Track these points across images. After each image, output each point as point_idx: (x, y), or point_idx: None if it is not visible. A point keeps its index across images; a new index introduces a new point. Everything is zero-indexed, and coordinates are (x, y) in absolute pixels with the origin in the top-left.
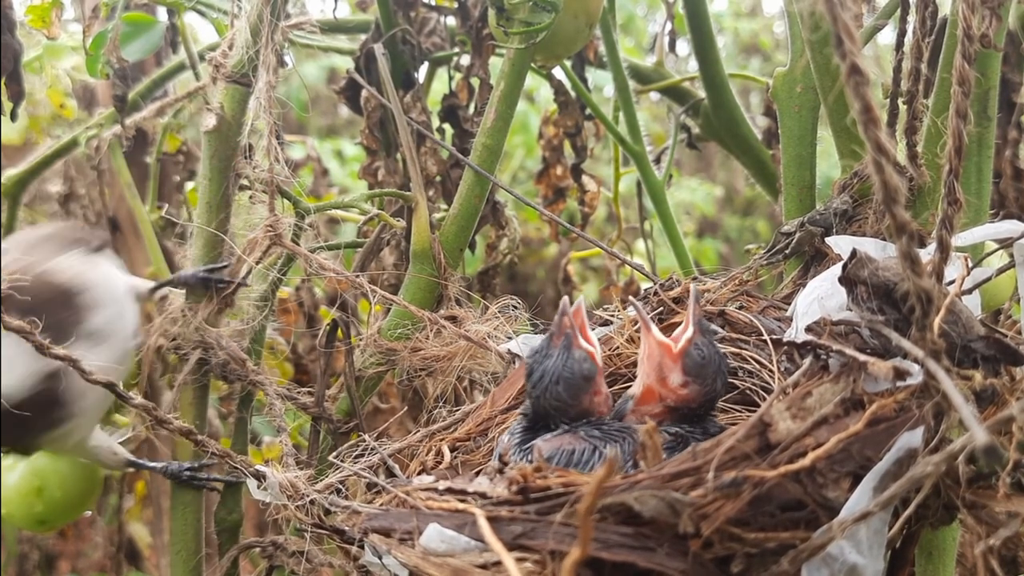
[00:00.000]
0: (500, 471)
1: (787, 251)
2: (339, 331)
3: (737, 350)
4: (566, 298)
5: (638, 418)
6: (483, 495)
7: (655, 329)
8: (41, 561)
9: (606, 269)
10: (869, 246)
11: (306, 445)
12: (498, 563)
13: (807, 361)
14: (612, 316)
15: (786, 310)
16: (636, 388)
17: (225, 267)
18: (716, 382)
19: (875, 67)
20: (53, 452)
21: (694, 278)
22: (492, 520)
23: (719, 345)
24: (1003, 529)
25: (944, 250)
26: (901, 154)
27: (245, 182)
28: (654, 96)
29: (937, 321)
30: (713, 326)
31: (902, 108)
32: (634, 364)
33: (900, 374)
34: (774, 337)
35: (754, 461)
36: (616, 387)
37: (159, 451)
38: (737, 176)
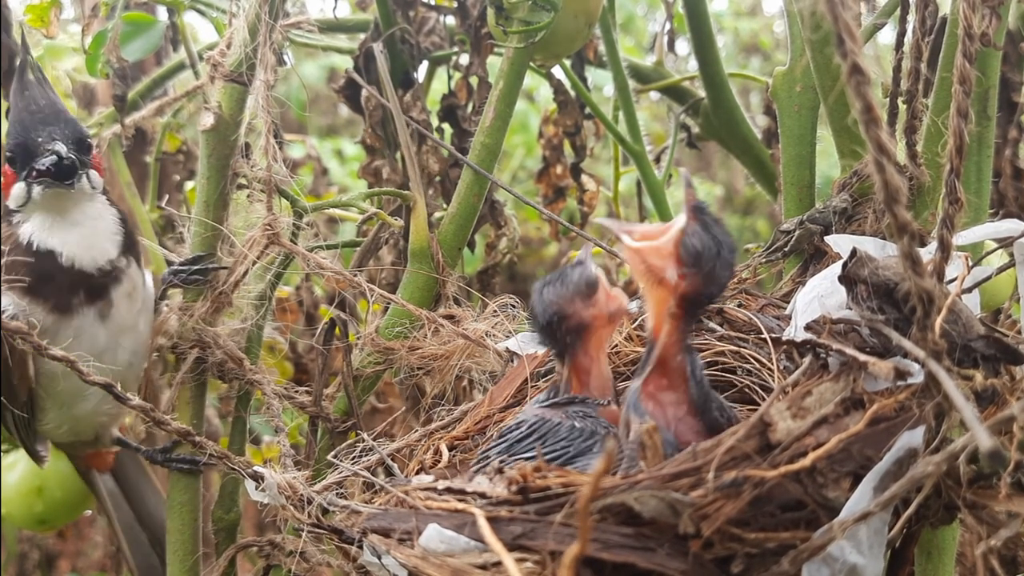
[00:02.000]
0: (499, 471)
1: (786, 249)
2: (337, 330)
3: (736, 348)
4: (585, 248)
5: (661, 349)
6: (482, 495)
7: (626, 238)
8: (41, 560)
9: (606, 269)
10: (869, 245)
11: (304, 444)
12: (498, 563)
13: (807, 360)
14: None
15: (785, 308)
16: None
17: (197, 262)
18: (718, 271)
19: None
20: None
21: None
22: (492, 520)
23: (722, 228)
24: (1003, 529)
25: (945, 249)
26: (901, 153)
27: (243, 181)
28: (654, 96)
29: (938, 321)
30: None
31: (902, 107)
32: (634, 363)
33: (900, 374)
34: (773, 335)
35: (754, 461)
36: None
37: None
38: (737, 175)
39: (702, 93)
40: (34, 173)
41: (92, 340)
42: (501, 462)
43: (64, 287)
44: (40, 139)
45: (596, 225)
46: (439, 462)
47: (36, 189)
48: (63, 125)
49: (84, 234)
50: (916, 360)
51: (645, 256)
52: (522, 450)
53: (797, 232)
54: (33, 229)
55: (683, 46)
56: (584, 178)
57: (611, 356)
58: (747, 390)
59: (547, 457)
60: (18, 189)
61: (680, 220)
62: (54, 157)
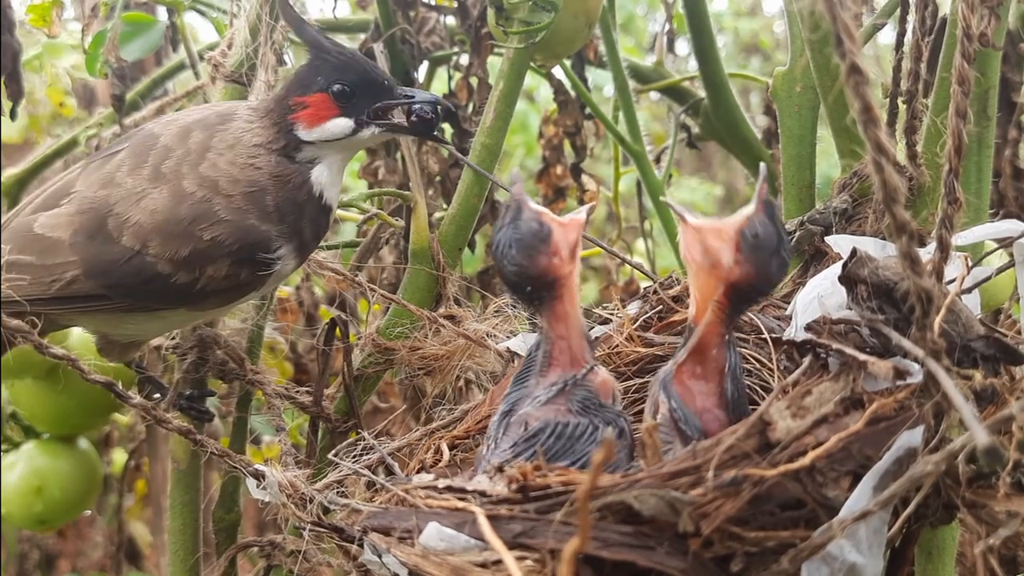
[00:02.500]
0: (499, 469)
1: None
2: (337, 330)
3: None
4: (516, 169)
5: (700, 337)
6: (483, 493)
7: (689, 216)
8: (41, 560)
9: (606, 268)
10: (869, 245)
11: (305, 444)
12: (498, 561)
13: (807, 360)
14: (612, 315)
15: (785, 308)
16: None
17: None
18: (772, 263)
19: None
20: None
21: None
22: (492, 518)
23: (785, 231)
24: (1003, 529)
25: (944, 249)
26: (901, 153)
27: None
28: (654, 96)
29: (937, 320)
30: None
31: (902, 107)
32: (634, 363)
33: (900, 373)
34: (773, 336)
35: (754, 460)
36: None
37: (158, 449)
38: (737, 176)
39: (702, 93)
40: (398, 116)
41: None
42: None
43: (318, 240)
44: (386, 81)
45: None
46: (440, 461)
47: (370, 130)
48: (382, 67)
49: (337, 189)
50: (915, 360)
51: (705, 235)
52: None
53: (797, 233)
54: (321, 180)
55: (683, 46)
56: (584, 178)
57: (611, 356)
58: (747, 390)
59: (581, 462)
60: (342, 124)
61: (748, 208)
62: (432, 106)
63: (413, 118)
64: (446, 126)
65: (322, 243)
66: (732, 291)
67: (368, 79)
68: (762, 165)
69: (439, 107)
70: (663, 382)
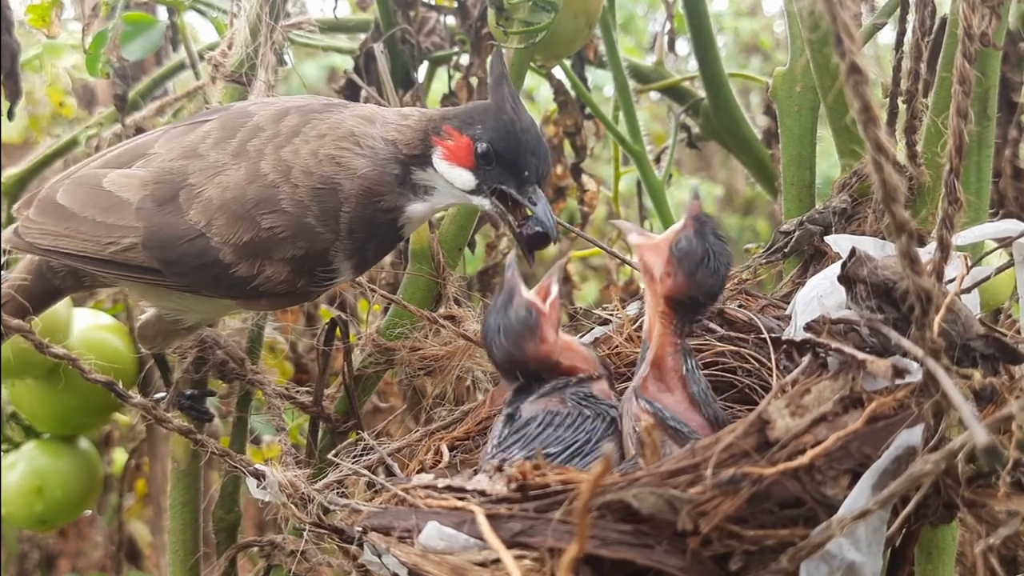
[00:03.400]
0: (499, 468)
1: (786, 250)
2: (338, 330)
3: (736, 348)
4: (511, 255)
5: (655, 350)
6: (482, 493)
7: (632, 236)
8: (41, 560)
9: (606, 268)
10: (868, 245)
11: (305, 444)
12: (497, 561)
13: (806, 359)
14: (612, 315)
15: (785, 309)
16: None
17: None
18: (700, 275)
19: (875, 66)
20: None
21: None
22: (491, 518)
23: (719, 241)
24: (1003, 528)
25: (944, 249)
26: (901, 153)
27: None
28: (654, 96)
29: (937, 320)
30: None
31: (902, 107)
32: (634, 363)
33: (899, 372)
34: (773, 335)
35: (753, 458)
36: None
37: (158, 449)
38: (737, 176)
39: (702, 93)
40: (520, 227)
41: None
42: (527, 459)
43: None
44: (527, 170)
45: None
46: (439, 462)
47: (483, 200)
48: (543, 159)
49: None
50: (915, 359)
51: (642, 252)
52: (543, 444)
53: (797, 233)
54: (414, 215)
55: (683, 46)
56: (584, 178)
57: (611, 356)
58: (747, 390)
59: (571, 448)
60: (465, 177)
61: (679, 224)
62: (542, 231)
63: (522, 228)
64: None
65: None
66: (671, 303)
67: (515, 162)
68: (694, 183)
69: (548, 234)
70: (635, 393)
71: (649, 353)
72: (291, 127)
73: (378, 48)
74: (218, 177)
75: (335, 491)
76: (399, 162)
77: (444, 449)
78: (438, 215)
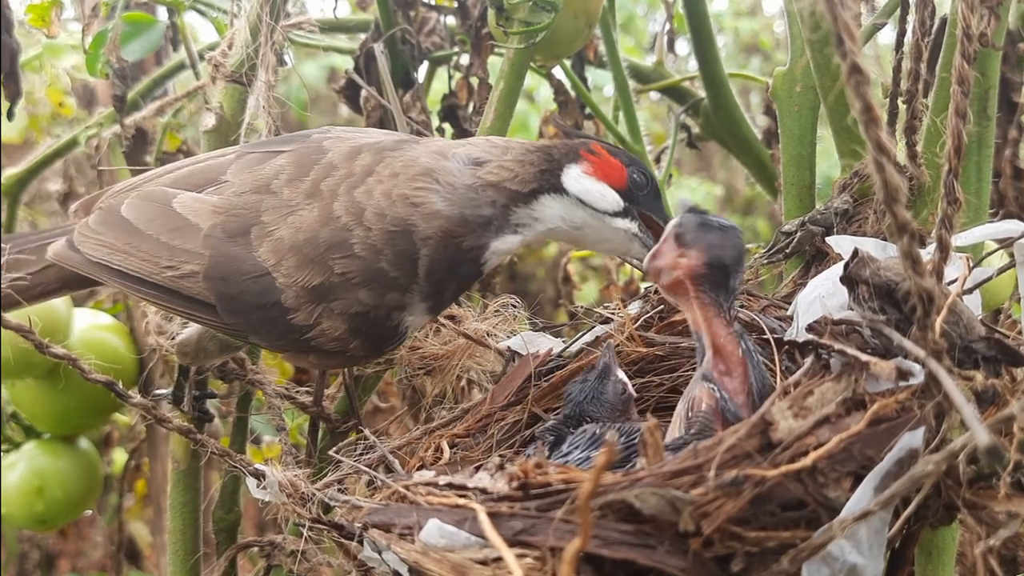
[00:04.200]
0: (501, 467)
1: (787, 251)
2: None
3: None
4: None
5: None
6: (483, 491)
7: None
8: (41, 560)
9: (606, 268)
10: (870, 245)
11: (305, 444)
12: (498, 559)
13: (808, 360)
14: (612, 315)
15: (787, 309)
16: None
17: None
18: (706, 238)
19: (875, 67)
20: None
21: None
22: (492, 516)
23: (713, 217)
24: (1003, 529)
25: (944, 250)
26: (901, 153)
27: None
28: (654, 96)
29: (939, 321)
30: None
31: (902, 107)
32: (634, 363)
33: (902, 374)
34: (775, 336)
35: (755, 460)
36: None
37: (158, 449)
38: (737, 176)
39: (702, 93)
40: (653, 236)
41: None
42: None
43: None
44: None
45: None
46: (440, 459)
47: (629, 224)
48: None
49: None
50: (917, 360)
51: (651, 262)
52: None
53: (798, 234)
54: (500, 250)
55: (683, 46)
56: None
57: None
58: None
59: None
60: (613, 197)
61: (675, 219)
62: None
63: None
64: (447, 126)
65: None
66: (698, 279)
67: (658, 194)
68: (683, 198)
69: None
70: (706, 376)
71: (706, 340)
72: (364, 166)
73: (378, 48)
74: (291, 217)
75: (335, 488)
76: (495, 202)
77: (444, 446)
78: None
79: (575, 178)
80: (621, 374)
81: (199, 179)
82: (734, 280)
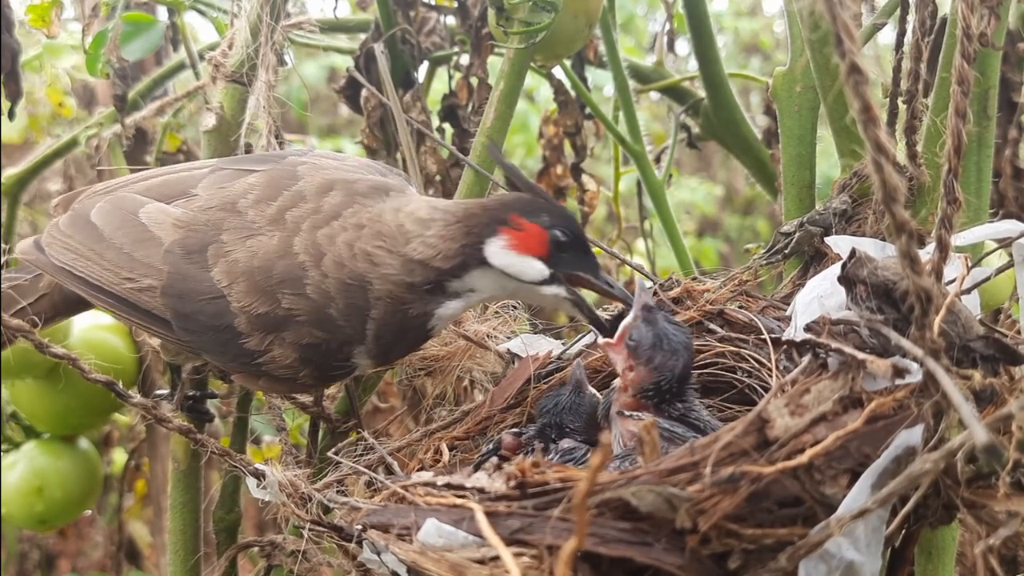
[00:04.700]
0: (498, 466)
1: (786, 251)
2: None
3: (736, 349)
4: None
5: (619, 407)
6: (481, 490)
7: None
8: (41, 560)
9: (606, 268)
10: (868, 246)
11: (305, 444)
12: (496, 558)
13: (806, 359)
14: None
15: (785, 310)
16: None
17: None
18: (659, 360)
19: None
20: None
21: (693, 278)
22: (490, 515)
23: (672, 325)
24: (1003, 528)
25: (943, 249)
26: (901, 153)
27: None
28: (654, 96)
29: (937, 320)
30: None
31: (902, 107)
32: None
33: (899, 372)
34: (773, 336)
35: (752, 457)
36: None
37: (158, 449)
38: (737, 176)
39: (702, 93)
40: (600, 320)
41: None
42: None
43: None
44: (591, 255)
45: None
46: (439, 461)
47: (557, 290)
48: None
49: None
50: (915, 359)
51: (607, 351)
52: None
53: (797, 234)
54: (445, 315)
55: (683, 46)
56: (584, 178)
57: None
58: (747, 390)
59: None
60: (538, 267)
61: (627, 319)
62: (632, 321)
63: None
64: (447, 126)
65: None
66: (638, 391)
67: (584, 245)
68: (638, 279)
69: (626, 315)
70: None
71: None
72: (333, 207)
73: (378, 48)
74: (250, 240)
75: (335, 489)
76: (428, 278)
77: (444, 448)
78: None
79: (496, 253)
80: (592, 390)
81: (171, 190)
82: (678, 389)
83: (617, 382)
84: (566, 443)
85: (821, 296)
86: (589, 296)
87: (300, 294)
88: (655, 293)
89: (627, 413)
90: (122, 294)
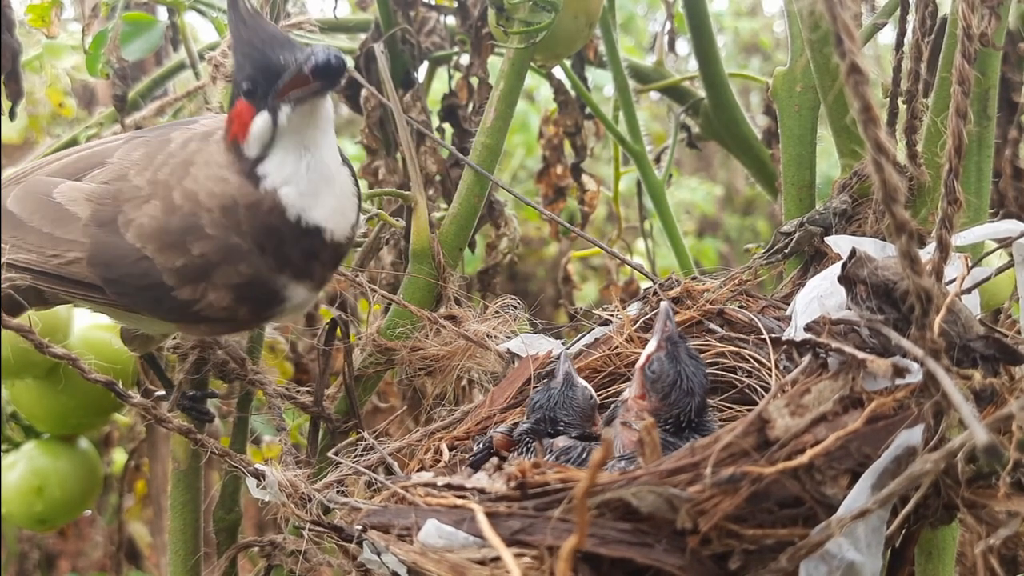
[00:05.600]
0: (499, 467)
1: (786, 251)
2: (338, 330)
3: (736, 349)
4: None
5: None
6: (481, 491)
7: (653, 341)
8: (41, 560)
9: (606, 268)
10: (868, 245)
11: (305, 444)
12: (496, 558)
13: (806, 359)
14: (612, 316)
15: (785, 309)
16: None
17: None
18: (674, 397)
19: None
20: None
21: (693, 278)
22: (490, 516)
23: (693, 362)
24: (1003, 528)
25: (944, 249)
26: (901, 153)
27: None
28: (654, 95)
29: (937, 320)
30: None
31: (902, 107)
32: (634, 363)
33: (899, 372)
34: (773, 336)
35: (752, 457)
36: (616, 387)
37: (158, 449)
38: (737, 176)
39: (702, 93)
40: (288, 85)
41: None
42: None
43: (325, 263)
44: (283, 59)
45: (596, 225)
46: (439, 462)
47: (285, 113)
48: (300, 49)
49: (337, 195)
50: (915, 359)
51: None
52: None
53: (797, 234)
54: (292, 200)
55: (683, 46)
56: (584, 178)
57: (611, 357)
58: (747, 390)
59: None
60: (261, 122)
61: (651, 346)
62: (323, 55)
63: (315, 81)
64: (447, 126)
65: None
66: (653, 415)
67: (262, 63)
68: (664, 305)
69: (332, 57)
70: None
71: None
72: (189, 154)
73: (378, 48)
74: (144, 206)
75: (335, 490)
76: (249, 176)
77: (444, 448)
78: (437, 215)
79: (247, 148)
80: (583, 382)
81: (85, 163)
82: (697, 423)
83: (625, 395)
84: (563, 442)
85: (821, 296)
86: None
87: (203, 237)
88: (655, 292)
89: (633, 425)
90: (51, 270)
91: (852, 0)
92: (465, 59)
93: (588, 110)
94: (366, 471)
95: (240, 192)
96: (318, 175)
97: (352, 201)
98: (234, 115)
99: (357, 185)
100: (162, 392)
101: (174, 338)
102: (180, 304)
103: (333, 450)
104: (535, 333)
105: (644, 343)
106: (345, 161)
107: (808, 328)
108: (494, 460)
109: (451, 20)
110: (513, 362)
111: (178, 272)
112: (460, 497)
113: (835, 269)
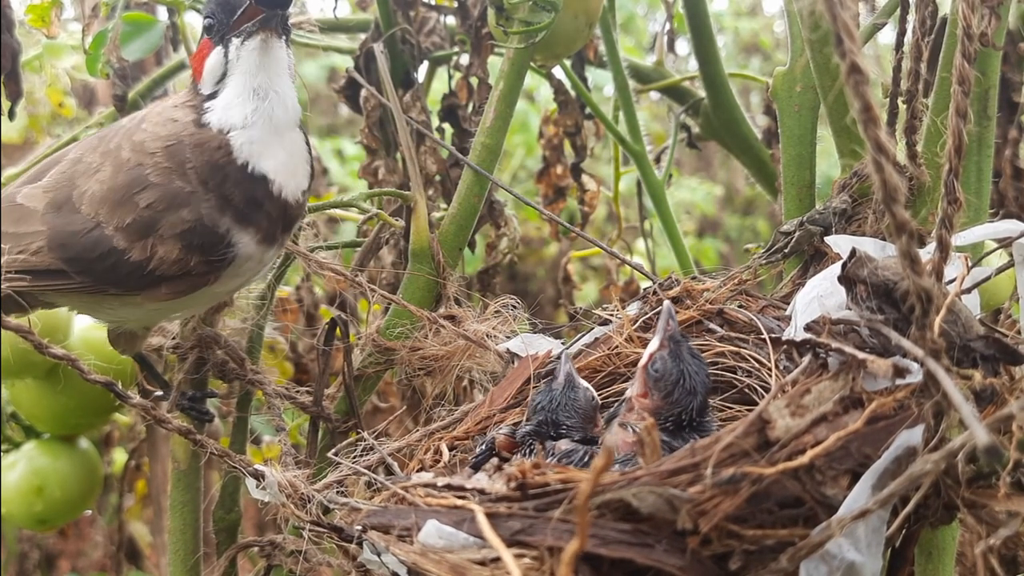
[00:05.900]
0: (499, 467)
1: (786, 250)
2: (338, 330)
3: (736, 349)
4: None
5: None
6: (482, 491)
7: (656, 340)
8: (41, 560)
9: (606, 268)
10: (868, 245)
11: (305, 444)
12: (496, 559)
13: (806, 359)
14: (612, 315)
15: (785, 309)
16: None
17: None
18: (676, 395)
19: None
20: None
21: (693, 277)
22: (491, 516)
23: (696, 361)
24: (1003, 529)
25: (944, 249)
26: (901, 153)
27: None
28: (654, 95)
29: (937, 320)
30: (706, 331)
31: (902, 107)
32: (633, 363)
33: (899, 372)
34: (773, 336)
35: (753, 458)
36: (616, 386)
37: (158, 449)
38: (737, 176)
39: (702, 93)
40: (241, 18)
41: (262, 271)
42: None
43: (273, 217)
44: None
45: (596, 225)
46: (439, 462)
47: (234, 45)
48: None
49: (288, 152)
50: (915, 359)
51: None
52: None
53: (797, 233)
54: (242, 146)
55: (683, 46)
56: (584, 178)
57: (611, 357)
58: (747, 390)
59: None
60: (214, 56)
61: (653, 344)
62: (657, 349)
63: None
64: (447, 126)
65: (323, 243)
66: (661, 420)
67: (223, 1)
68: (666, 304)
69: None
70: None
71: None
72: (140, 116)
73: (378, 48)
74: (96, 175)
75: (335, 490)
76: (197, 115)
77: (444, 449)
78: (437, 215)
79: (203, 86)
80: (584, 383)
81: (46, 167)
82: (698, 422)
83: (628, 394)
84: (564, 445)
85: (821, 296)
86: None
87: (147, 185)
88: (655, 292)
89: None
90: (21, 267)
91: (852, 0)
92: (465, 59)
93: (588, 110)
94: (366, 471)
95: (188, 131)
96: (270, 125)
97: (304, 166)
98: (196, 54)
99: (311, 153)
100: (161, 392)
101: (174, 338)
102: (134, 267)
103: (333, 450)
104: (535, 333)
105: (644, 343)
106: (301, 128)
107: (808, 328)
108: (494, 461)
109: (451, 20)
110: (513, 362)
111: (127, 230)
112: (460, 498)
113: (835, 269)
